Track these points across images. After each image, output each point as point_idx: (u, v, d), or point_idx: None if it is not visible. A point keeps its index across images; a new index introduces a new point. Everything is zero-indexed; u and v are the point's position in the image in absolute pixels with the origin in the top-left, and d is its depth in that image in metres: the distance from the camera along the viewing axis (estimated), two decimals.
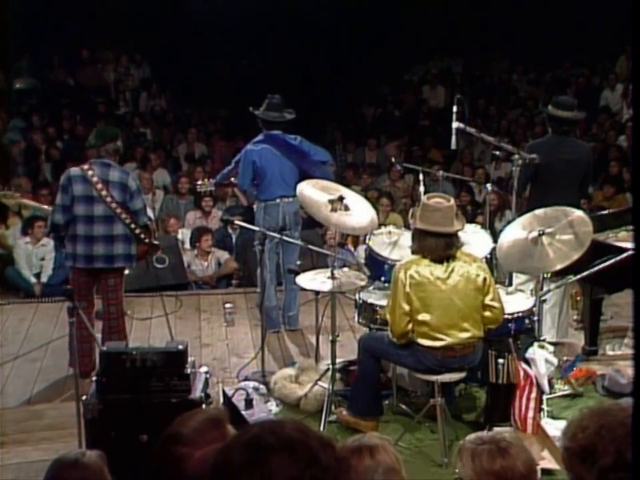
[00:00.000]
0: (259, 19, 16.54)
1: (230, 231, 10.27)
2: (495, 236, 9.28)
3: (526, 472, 3.04)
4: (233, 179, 7.65)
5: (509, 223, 10.47)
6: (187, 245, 10.09)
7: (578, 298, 7.54)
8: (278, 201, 7.40)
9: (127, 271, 8.19)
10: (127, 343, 5.64)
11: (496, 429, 3.28)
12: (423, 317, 5.01)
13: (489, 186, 7.87)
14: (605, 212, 7.75)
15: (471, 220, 10.42)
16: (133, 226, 6.53)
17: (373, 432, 3.30)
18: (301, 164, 7.50)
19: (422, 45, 17.37)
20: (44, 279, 9.66)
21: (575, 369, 6.18)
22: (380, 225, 9.64)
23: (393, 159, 10.53)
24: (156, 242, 6.83)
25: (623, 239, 6.93)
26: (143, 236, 6.63)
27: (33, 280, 9.67)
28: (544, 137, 7.41)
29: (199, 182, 7.94)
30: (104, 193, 6.43)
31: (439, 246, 5.06)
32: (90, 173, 6.46)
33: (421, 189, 6.93)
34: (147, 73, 16.99)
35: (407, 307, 5.01)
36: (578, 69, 17.09)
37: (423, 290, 5.00)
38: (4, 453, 5.72)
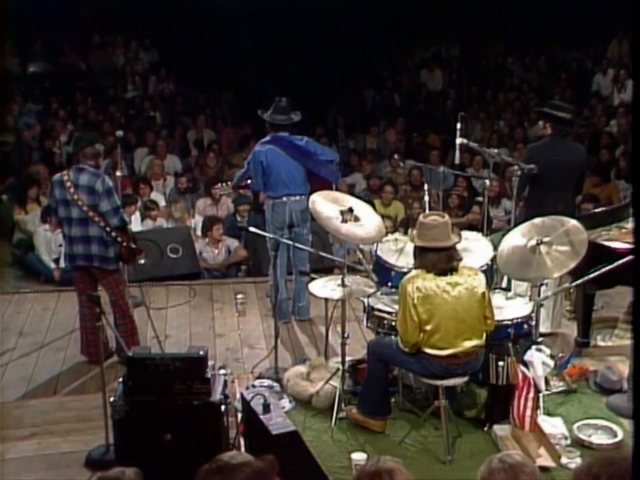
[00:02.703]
0: (263, 5, 16.56)
1: (239, 219, 10.40)
2: (491, 224, 9.43)
3: None
4: (249, 181, 7.78)
5: (505, 211, 10.71)
6: (199, 232, 10.23)
7: (571, 290, 7.68)
8: (285, 199, 7.51)
9: (142, 261, 8.35)
10: (149, 349, 5.76)
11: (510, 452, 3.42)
12: (430, 327, 5.14)
13: (487, 182, 7.97)
14: (599, 210, 7.84)
15: (468, 208, 10.58)
16: (108, 229, 6.66)
17: (386, 456, 3.44)
18: (307, 163, 7.59)
19: (420, 29, 17.38)
20: (62, 264, 9.81)
21: (569, 365, 6.33)
22: (383, 217, 9.83)
23: (396, 156, 10.64)
24: (134, 246, 6.87)
25: (614, 238, 7.03)
26: (119, 239, 6.72)
27: (53, 265, 9.84)
28: (542, 139, 7.48)
29: (219, 185, 8.08)
30: (75, 196, 6.63)
31: (440, 260, 5.19)
32: (65, 178, 6.70)
33: (426, 197, 7.03)
34: (156, 57, 17.02)
35: (416, 319, 5.15)
36: (570, 52, 17.10)
37: (430, 302, 5.13)
38: (37, 444, 5.87)
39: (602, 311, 7.78)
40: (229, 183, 8.05)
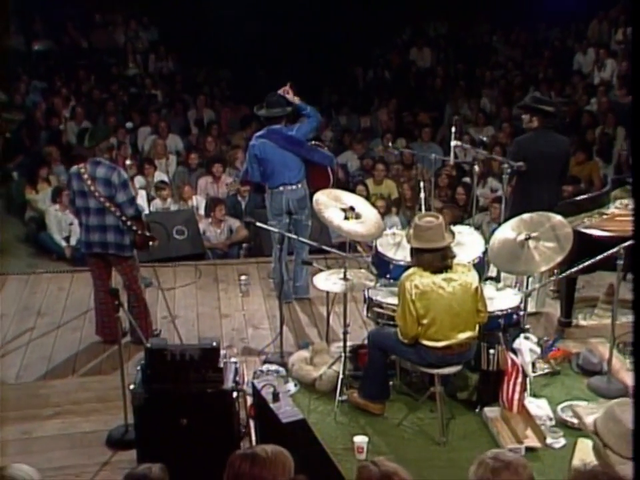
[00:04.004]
0: None
1: (239, 198, 10.54)
2: (478, 202, 9.58)
3: None
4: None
5: (491, 189, 10.88)
6: (202, 211, 10.37)
7: (555, 270, 7.86)
8: (281, 188, 7.66)
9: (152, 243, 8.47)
10: (166, 340, 5.91)
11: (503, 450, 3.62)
12: (427, 321, 5.31)
13: (476, 167, 8.11)
14: (581, 197, 7.99)
15: (456, 186, 10.71)
16: (123, 218, 6.81)
17: (379, 457, 3.62)
18: (299, 152, 7.70)
19: (409, 8, 17.30)
20: (73, 242, 9.99)
21: (553, 349, 6.52)
22: (375, 196, 9.96)
23: (390, 144, 10.77)
24: (148, 233, 7.03)
25: (595, 225, 7.20)
26: (134, 228, 6.88)
27: (64, 244, 10.01)
28: (529, 132, 7.62)
29: (228, 182, 8.32)
30: (92, 188, 6.78)
31: (434, 259, 5.34)
32: (82, 170, 6.85)
33: (422, 194, 7.18)
34: (155, 35, 16.96)
35: (414, 313, 5.31)
36: (552, 31, 17.08)
37: (427, 298, 5.29)
38: (61, 423, 6.04)
39: (582, 291, 7.92)
40: (236, 179, 8.27)
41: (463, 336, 5.38)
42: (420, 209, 7.86)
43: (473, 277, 5.43)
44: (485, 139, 9.46)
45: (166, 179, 11.21)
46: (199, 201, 10.54)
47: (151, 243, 7.20)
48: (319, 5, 16.87)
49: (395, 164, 11.56)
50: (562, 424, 5.70)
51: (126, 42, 16.42)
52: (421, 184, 7.61)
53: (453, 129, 6.81)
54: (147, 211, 9.94)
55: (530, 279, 6.64)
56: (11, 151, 12.50)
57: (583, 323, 7.54)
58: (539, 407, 5.78)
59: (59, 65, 15.52)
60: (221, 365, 5.31)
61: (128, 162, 8.20)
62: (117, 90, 14.60)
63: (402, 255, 6.14)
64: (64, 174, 11.04)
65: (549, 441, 5.49)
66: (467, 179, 10.76)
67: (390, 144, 10.81)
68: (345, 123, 13.98)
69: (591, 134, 12.28)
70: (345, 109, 14.34)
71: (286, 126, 7.73)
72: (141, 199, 10.25)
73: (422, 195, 7.24)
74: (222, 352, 5.42)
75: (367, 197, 10.10)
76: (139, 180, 10.79)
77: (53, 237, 10.09)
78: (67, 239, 10.08)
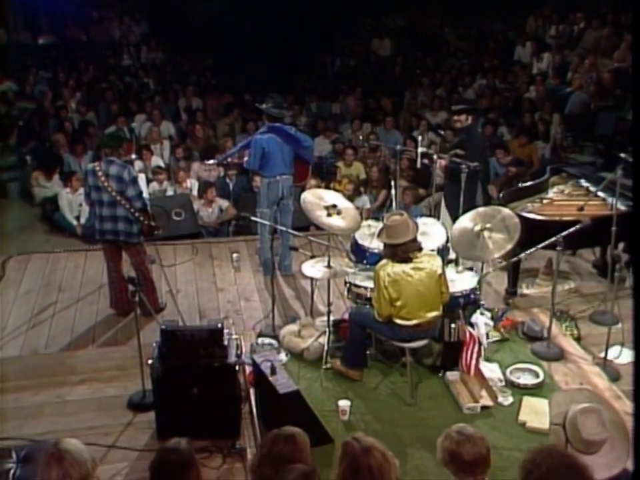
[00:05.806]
0: None
1: (228, 180, 10.67)
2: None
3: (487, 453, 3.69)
4: (229, 159, 8.23)
5: None
6: (195, 193, 10.47)
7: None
8: (278, 177, 7.85)
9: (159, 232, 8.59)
10: (177, 322, 6.06)
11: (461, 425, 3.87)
12: (399, 303, 5.52)
13: (435, 156, 8.29)
14: (523, 185, 8.24)
15: (414, 169, 10.88)
16: (132, 210, 6.97)
17: (357, 432, 3.78)
18: (296, 149, 7.94)
19: (370, 1, 17.28)
20: (82, 220, 10.09)
21: (503, 319, 6.79)
22: (346, 177, 10.13)
23: (361, 137, 10.91)
24: (153, 223, 7.16)
25: (535, 210, 7.47)
26: (142, 218, 7.03)
27: (75, 222, 10.11)
28: (470, 126, 7.96)
29: (206, 161, 8.57)
30: (106, 184, 6.92)
31: (396, 253, 5.54)
32: (97, 168, 6.98)
33: (392, 191, 7.37)
34: (145, 28, 16.83)
35: (387, 297, 5.54)
36: (495, 24, 17.17)
37: (397, 284, 5.49)
38: (88, 389, 6.21)
39: (525, 262, 8.14)
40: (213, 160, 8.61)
41: (430, 315, 5.61)
42: (389, 188, 8.10)
43: (437, 265, 5.64)
44: (442, 132, 9.63)
45: (162, 164, 11.29)
46: (192, 184, 10.64)
47: (156, 231, 7.35)
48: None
49: (362, 147, 11.71)
50: (510, 384, 5.97)
51: (120, 36, 16.30)
52: (389, 170, 7.81)
53: (419, 137, 7.00)
54: (146, 193, 10.05)
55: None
56: (23, 137, 12.49)
57: (526, 291, 7.81)
58: (491, 371, 6.04)
59: (61, 57, 15.40)
60: (225, 343, 5.51)
61: (133, 156, 8.30)
62: (114, 79, 14.53)
63: (376, 244, 6.31)
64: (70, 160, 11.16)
65: (499, 399, 5.76)
66: (425, 161, 10.91)
67: (361, 137, 10.95)
68: (316, 109, 14.03)
69: (531, 118, 12.48)
70: (316, 96, 14.39)
71: (283, 125, 7.97)
72: (141, 182, 10.33)
73: (393, 192, 7.43)
74: (225, 331, 5.63)
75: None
76: (137, 164, 10.82)
77: (66, 217, 10.18)
78: (77, 218, 10.19)
